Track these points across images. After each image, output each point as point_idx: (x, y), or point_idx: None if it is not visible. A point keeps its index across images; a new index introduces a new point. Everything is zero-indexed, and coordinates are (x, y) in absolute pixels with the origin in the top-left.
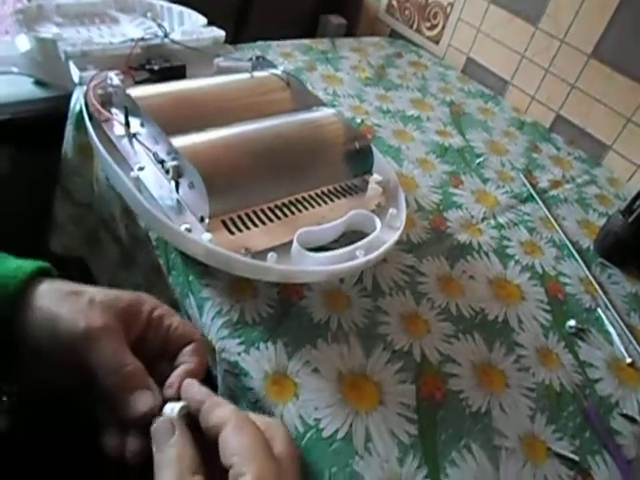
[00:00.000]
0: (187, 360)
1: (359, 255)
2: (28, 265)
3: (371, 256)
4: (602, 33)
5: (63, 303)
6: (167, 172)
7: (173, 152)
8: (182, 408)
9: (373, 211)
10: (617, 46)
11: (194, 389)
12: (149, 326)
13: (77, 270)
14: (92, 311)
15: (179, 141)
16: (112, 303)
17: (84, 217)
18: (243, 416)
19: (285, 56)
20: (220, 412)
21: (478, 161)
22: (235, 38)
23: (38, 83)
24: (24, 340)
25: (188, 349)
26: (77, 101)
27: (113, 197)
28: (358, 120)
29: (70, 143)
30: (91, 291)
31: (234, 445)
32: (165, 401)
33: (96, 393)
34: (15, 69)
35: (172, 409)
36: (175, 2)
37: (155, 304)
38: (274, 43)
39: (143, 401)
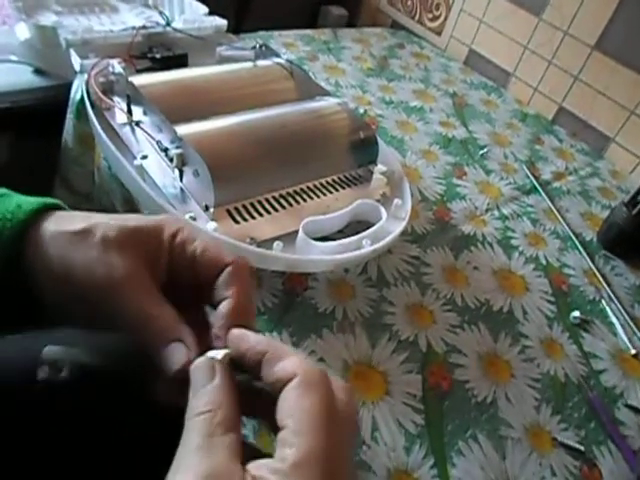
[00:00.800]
0: (224, 294)
1: (365, 245)
2: (29, 203)
3: (377, 246)
4: (606, 25)
5: (73, 249)
6: (171, 160)
7: (177, 140)
8: (226, 355)
9: (378, 201)
10: (621, 38)
11: (249, 340)
12: (172, 257)
13: None
14: (108, 256)
15: (183, 129)
16: (130, 238)
17: (83, 206)
18: (313, 372)
19: (287, 46)
20: (287, 364)
21: (481, 152)
22: (236, 28)
23: (37, 72)
24: (41, 291)
25: (222, 279)
26: (78, 89)
27: (114, 186)
28: (361, 111)
29: (70, 132)
30: (103, 225)
31: (293, 406)
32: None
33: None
34: (14, 57)
35: (217, 354)
36: None
37: (176, 228)
38: (276, 33)
39: (176, 357)
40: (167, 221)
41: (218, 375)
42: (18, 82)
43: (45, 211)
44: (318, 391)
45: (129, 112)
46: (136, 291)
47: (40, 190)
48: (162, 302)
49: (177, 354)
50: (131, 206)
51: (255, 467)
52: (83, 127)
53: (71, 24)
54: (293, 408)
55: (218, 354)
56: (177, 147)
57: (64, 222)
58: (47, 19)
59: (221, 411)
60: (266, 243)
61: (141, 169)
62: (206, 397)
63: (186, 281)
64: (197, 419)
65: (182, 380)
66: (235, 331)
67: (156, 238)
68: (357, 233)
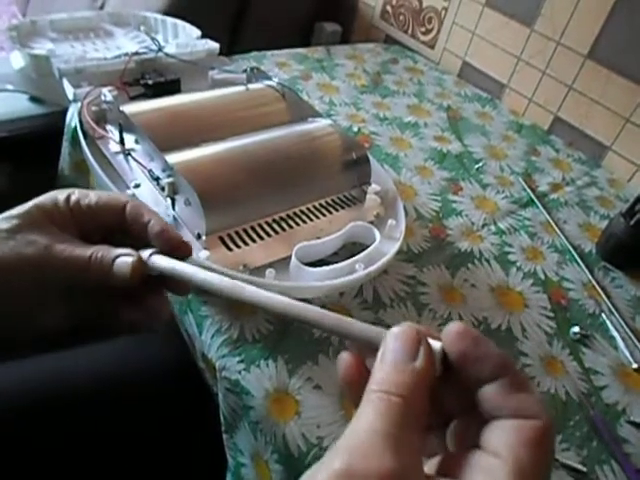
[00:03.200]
0: (142, 222)
1: (358, 268)
2: None
3: (371, 269)
4: (598, 34)
5: None
6: (162, 189)
7: (168, 169)
8: (441, 349)
9: (372, 222)
10: (613, 47)
11: (487, 346)
12: (75, 214)
13: None
14: (25, 238)
15: (174, 157)
16: (29, 218)
17: None
18: (552, 424)
19: (280, 66)
20: (532, 401)
21: (477, 166)
22: (230, 48)
23: (34, 99)
24: None
25: (129, 214)
26: (72, 117)
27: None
28: (355, 129)
29: (66, 159)
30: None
31: (526, 448)
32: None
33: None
34: (10, 86)
35: (434, 344)
36: (169, 15)
37: (67, 194)
38: (269, 53)
39: (123, 267)
40: (58, 192)
41: (421, 357)
42: (15, 110)
43: None
44: (550, 448)
45: (121, 141)
46: (61, 249)
47: None
48: (90, 245)
49: (122, 265)
50: None
51: None
52: (78, 154)
53: (65, 52)
54: (523, 449)
55: (435, 344)
56: (168, 176)
57: None
58: (42, 46)
59: (416, 403)
60: (259, 270)
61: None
62: (402, 378)
63: (103, 232)
64: (387, 400)
65: (136, 295)
66: (460, 328)
67: (51, 206)
68: (352, 255)
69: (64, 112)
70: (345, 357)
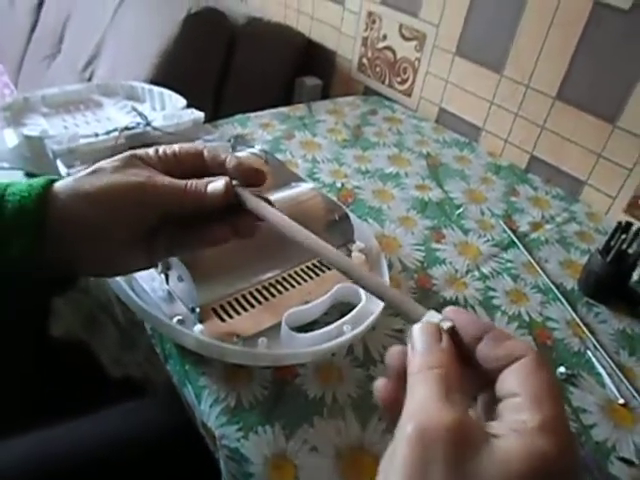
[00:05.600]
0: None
1: (346, 330)
2: (37, 181)
3: (358, 330)
4: (564, 76)
5: (95, 180)
6: (156, 267)
7: None
8: (451, 326)
9: None
10: (579, 87)
11: (469, 315)
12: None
13: (80, 353)
14: (126, 169)
15: None
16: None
17: (82, 301)
18: (542, 354)
19: (264, 127)
20: (517, 344)
21: (458, 212)
22: (215, 111)
23: (29, 175)
24: (75, 243)
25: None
26: None
27: (107, 283)
28: (338, 184)
29: None
30: (104, 162)
31: (530, 377)
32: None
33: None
34: (6, 164)
35: (443, 324)
36: (155, 84)
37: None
38: (252, 115)
39: (217, 185)
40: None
41: (445, 339)
42: None
43: (51, 183)
44: (550, 368)
45: None
46: (160, 179)
47: (42, 292)
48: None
49: (216, 186)
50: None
51: (491, 427)
52: None
53: (57, 130)
54: (529, 379)
55: (444, 324)
56: None
57: (71, 178)
58: (35, 122)
59: (452, 372)
60: (252, 339)
61: (128, 277)
62: (437, 355)
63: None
64: (430, 373)
65: (227, 212)
66: (451, 307)
67: (143, 154)
68: (342, 313)
69: None
70: (381, 382)
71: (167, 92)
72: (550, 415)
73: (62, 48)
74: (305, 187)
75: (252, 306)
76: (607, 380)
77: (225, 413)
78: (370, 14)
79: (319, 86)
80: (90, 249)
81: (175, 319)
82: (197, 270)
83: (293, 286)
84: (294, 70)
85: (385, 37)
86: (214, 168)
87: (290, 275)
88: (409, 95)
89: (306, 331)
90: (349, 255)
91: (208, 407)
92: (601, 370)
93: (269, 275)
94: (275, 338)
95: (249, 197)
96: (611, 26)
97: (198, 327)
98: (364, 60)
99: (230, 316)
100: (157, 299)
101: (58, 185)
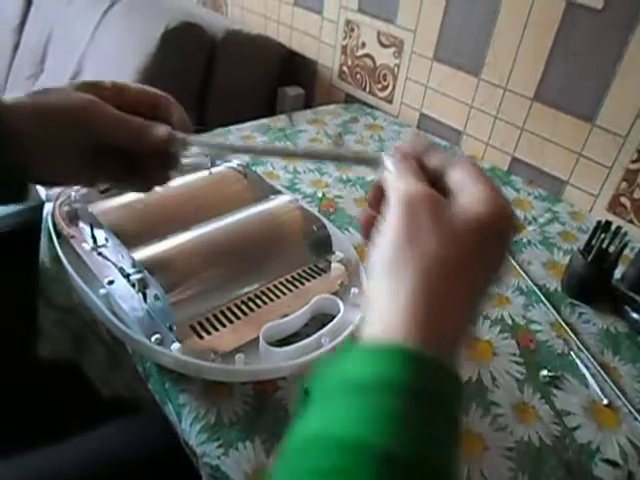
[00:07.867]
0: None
1: (324, 342)
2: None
3: (336, 341)
4: (540, 77)
5: (53, 95)
6: (133, 286)
7: (137, 265)
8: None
9: (337, 292)
10: (556, 88)
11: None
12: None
13: (68, 372)
14: (82, 91)
15: (140, 254)
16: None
17: (68, 321)
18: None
19: (245, 139)
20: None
21: None
22: (199, 124)
23: None
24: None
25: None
26: (47, 217)
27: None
28: (319, 194)
29: (46, 253)
30: (67, 83)
31: (467, 170)
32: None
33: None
34: None
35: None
36: None
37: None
38: (234, 127)
39: (161, 130)
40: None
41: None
42: None
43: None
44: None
45: (93, 239)
46: (103, 106)
47: (28, 310)
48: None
49: (162, 129)
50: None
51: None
52: (56, 249)
53: None
54: (468, 172)
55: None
56: (137, 272)
57: (23, 94)
58: None
59: (420, 171)
60: (230, 355)
61: (107, 297)
62: (408, 161)
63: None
64: (406, 170)
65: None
66: (399, 144)
67: (97, 83)
68: (322, 324)
69: (42, 206)
70: (362, 211)
71: None
72: (491, 185)
73: (45, 67)
74: (283, 200)
75: (231, 322)
76: (591, 381)
77: (205, 430)
78: (348, 22)
79: (301, 95)
80: (38, 159)
81: (154, 337)
82: (173, 289)
83: (272, 300)
84: (276, 80)
85: (364, 45)
86: (162, 119)
87: (269, 289)
88: (390, 102)
89: (288, 344)
90: (328, 266)
91: (188, 425)
92: (585, 371)
93: (247, 290)
94: (254, 353)
95: (196, 138)
96: (585, 26)
97: (175, 345)
98: (344, 68)
99: (208, 332)
100: (136, 318)
101: (8, 99)
